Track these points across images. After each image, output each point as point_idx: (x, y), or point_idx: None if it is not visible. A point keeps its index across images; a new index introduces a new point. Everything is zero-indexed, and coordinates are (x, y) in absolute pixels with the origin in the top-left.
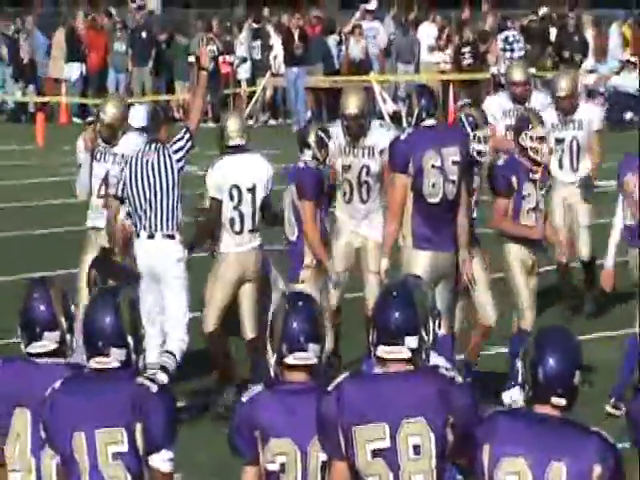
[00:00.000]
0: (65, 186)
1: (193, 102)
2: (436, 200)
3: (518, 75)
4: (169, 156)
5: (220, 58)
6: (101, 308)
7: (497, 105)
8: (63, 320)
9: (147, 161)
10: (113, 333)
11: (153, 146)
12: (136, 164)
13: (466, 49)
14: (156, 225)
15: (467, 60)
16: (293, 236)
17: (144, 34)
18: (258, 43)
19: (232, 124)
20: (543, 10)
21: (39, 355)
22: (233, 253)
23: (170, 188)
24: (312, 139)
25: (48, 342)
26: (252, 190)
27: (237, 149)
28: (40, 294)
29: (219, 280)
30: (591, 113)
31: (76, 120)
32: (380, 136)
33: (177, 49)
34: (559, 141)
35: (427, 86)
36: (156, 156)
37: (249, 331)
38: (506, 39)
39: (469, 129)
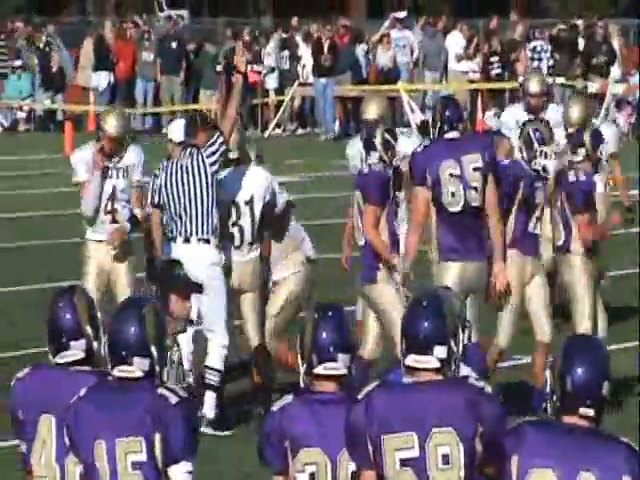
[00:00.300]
0: None
1: (227, 108)
2: (458, 209)
3: (535, 86)
4: (203, 161)
5: (248, 67)
6: (126, 318)
7: (511, 116)
8: (89, 328)
9: (182, 166)
10: (137, 343)
11: (188, 151)
12: (171, 169)
13: (494, 58)
14: (191, 230)
15: (495, 70)
16: (361, 241)
17: (174, 44)
18: (286, 53)
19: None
20: (573, 20)
21: (67, 365)
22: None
23: (204, 192)
24: (378, 141)
25: (75, 351)
26: (249, 202)
27: (232, 162)
28: (65, 303)
29: None
30: (605, 136)
31: None
32: (402, 143)
33: (206, 58)
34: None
35: (453, 98)
36: (190, 161)
37: (253, 339)
38: (534, 49)
39: (536, 144)
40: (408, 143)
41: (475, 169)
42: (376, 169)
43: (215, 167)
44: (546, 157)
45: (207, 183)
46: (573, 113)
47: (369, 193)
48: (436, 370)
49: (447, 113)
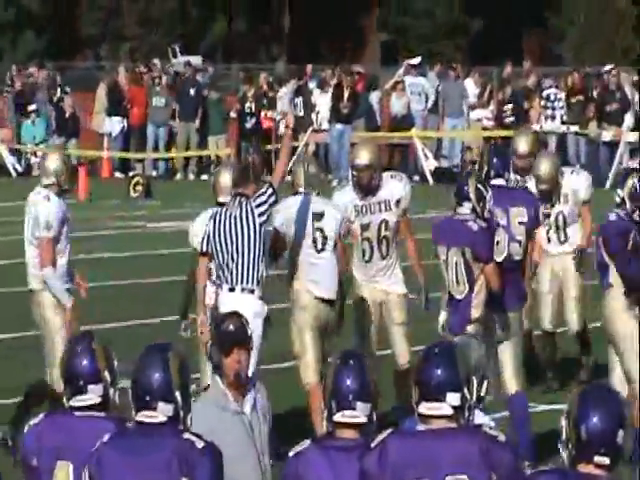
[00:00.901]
0: (109, 240)
1: (278, 160)
2: (499, 259)
3: (522, 146)
4: (251, 210)
5: (262, 113)
6: (151, 363)
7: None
8: (107, 374)
9: (230, 215)
10: (161, 388)
11: (237, 200)
12: (220, 218)
13: (508, 106)
14: (236, 279)
15: (509, 117)
16: (461, 295)
17: (192, 90)
18: (300, 99)
19: (223, 179)
20: (587, 68)
21: (82, 409)
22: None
23: (252, 242)
24: (471, 191)
25: (92, 395)
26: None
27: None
28: (84, 347)
29: (206, 331)
30: (576, 184)
31: (118, 175)
32: (394, 187)
33: (210, 104)
34: (546, 216)
35: (500, 146)
36: (239, 210)
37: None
38: (548, 97)
39: None
40: (399, 187)
41: (520, 223)
42: (482, 226)
43: (264, 218)
44: None
45: (255, 233)
46: (541, 168)
47: (480, 249)
48: (449, 417)
49: (494, 160)
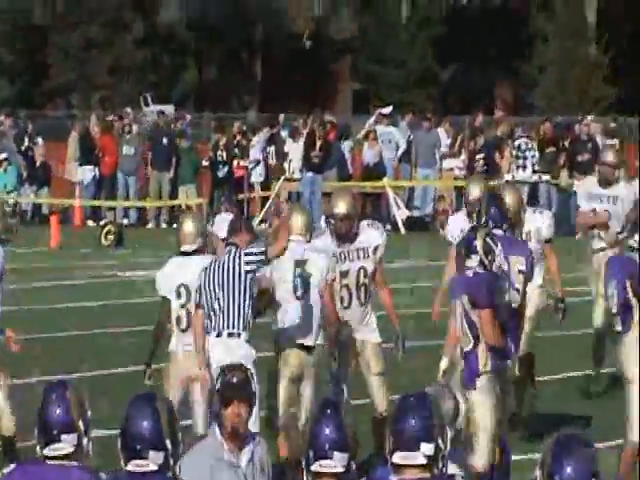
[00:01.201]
0: (80, 289)
1: (279, 236)
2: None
3: (475, 192)
4: (239, 257)
5: (234, 162)
6: (140, 412)
7: (456, 226)
8: (81, 424)
9: (219, 262)
10: (152, 436)
11: (227, 249)
12: (210, 267)
13: (479, 156)
14: (223, 324)
15: (480, 167)
16: (468, 346)
17: (165, 140)
18: (272, 148)
19: (186, 227)
20: (558, 118)
21: (55, 458)
22: (181, 352)
23: (237, 287)
24: (479, 244)
25: (66, 445)
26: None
27: (189, 254)
28: (59, 396)
29: (170, 379)
30: (538, 222)
31: (90, 223)
32: (371, 235)
33: (181, 152)
34: None
35: (499, 196)
36: (227, 257)
37: (200, 428)
38: (519, 146)
39: None
40: (377, 235)
41: (520, 271)
42: (480, 271)
43: (250, 267)
44: None
45: (240, 278)
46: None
47: (480, 296)
48: (423, 467)
49: (492, 211)
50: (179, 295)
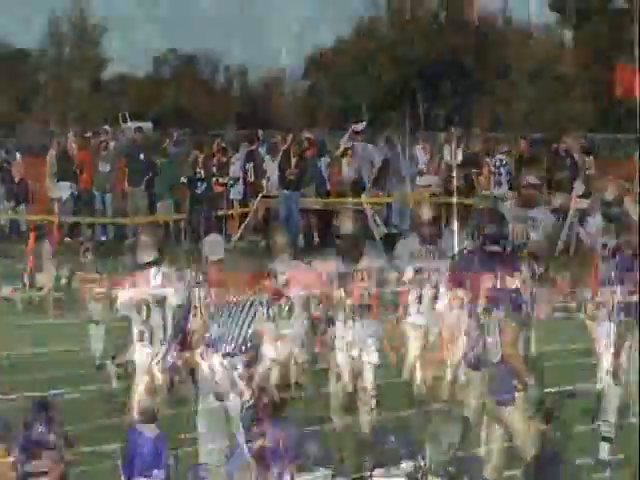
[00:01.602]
0: (56, 305)
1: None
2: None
3: (426, 213)
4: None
5: (213, 178)
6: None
7: (404, 247)
8: (62, 441)
9: None
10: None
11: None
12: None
13: (456, 173)
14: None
15: (457, 184)
16: (496, 358)
17: (142, 156)
18: (251, 165)
19: (143, 238)
20: (536, 135)
21: (36, 474)
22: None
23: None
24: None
25: (47, 462)
26: (161, 303)
27: (148, 265)
28: (39, 415)
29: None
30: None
31: (68, 239)
32: (374, 257)
33: (159, 169)
34: None
35: (498, 212)
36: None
37: None
38: (496, 163)
39: None
40: (379, 256)
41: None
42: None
43: None
44: None
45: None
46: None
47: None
48: None
49: (490, 227)
50: (139, 311)
